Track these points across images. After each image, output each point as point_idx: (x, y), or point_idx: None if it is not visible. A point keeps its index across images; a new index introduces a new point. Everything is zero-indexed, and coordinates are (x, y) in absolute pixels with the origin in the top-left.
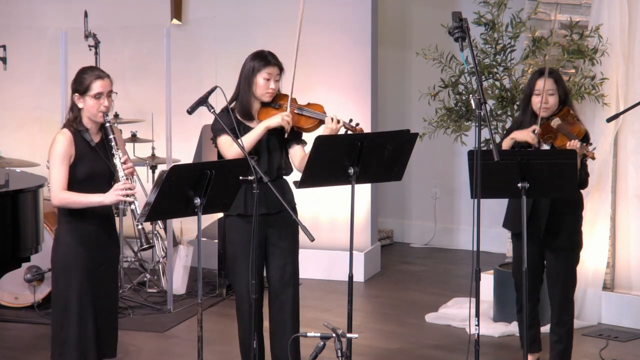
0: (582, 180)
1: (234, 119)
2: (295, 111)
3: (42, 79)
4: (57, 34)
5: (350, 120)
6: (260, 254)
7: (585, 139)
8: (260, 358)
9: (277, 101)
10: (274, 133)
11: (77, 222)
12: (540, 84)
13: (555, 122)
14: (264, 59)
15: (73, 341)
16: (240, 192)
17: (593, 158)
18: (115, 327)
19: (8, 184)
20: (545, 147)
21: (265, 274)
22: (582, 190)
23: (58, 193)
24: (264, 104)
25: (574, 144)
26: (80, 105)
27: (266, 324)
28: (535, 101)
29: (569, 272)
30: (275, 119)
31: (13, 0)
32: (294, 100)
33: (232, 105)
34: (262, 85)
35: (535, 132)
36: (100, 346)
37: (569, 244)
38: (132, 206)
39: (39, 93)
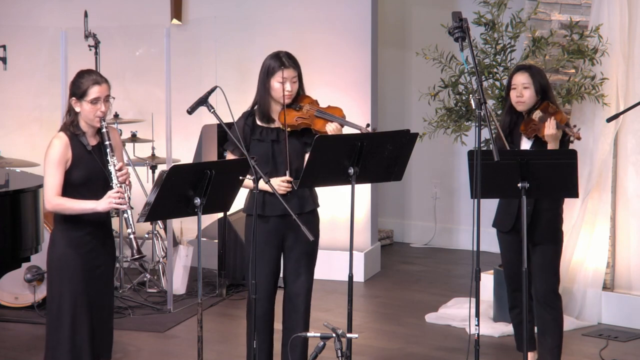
0: None
1: (249, 124)
2: (315, 114)
3: (42, 79)
4: (57, 34)
5: (368, 125)
6: (276, 256)
7: (567, 125)
8: (268, 358)
9: (298, 102)
10: (295, 137)
11: (71, 227)
12: (516, 78)
13: (537, 115)
14: (278, 61)
15: (66, 343)
16: (259, 193)
17: (579, 138)
18: (111, 328)
19: (8, 184)
20: (528, 142)
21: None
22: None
23: (52, 198)
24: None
25: (551, 123)
26: (77, 109)
27: (277, 325)
28: (512, 95)
29: (548, 266)
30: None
31: (13, 0)
32: (315, 103)
33: (255, 107)
34: (278, 88)
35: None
36: (94, 348)
37: (546, 237)
38: (125, 214)
39: (38, 93)
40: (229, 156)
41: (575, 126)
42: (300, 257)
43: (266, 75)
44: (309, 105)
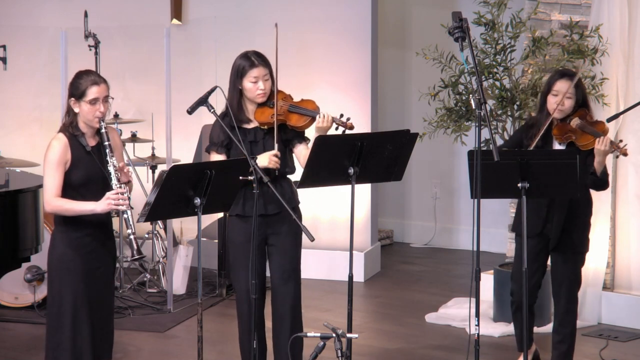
0: (604, 181)
1: (227, 125)
2: (288, 109)
3: (42, 79)
4: (57, 34)
5: (341, 116)
6: (260, 254)
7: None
8: (261, 358)
9: (272, 99)
10: (272, 135)
11: (72, 228)
12: (559, 85)
13: (575, 122)
14: (248, 60)
15: (67, 344)
16: (239, 193)
17: (625, 154)
18: (111, 329)
19: (8, 184)
20: (559, 147)
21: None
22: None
23: (51, 200)
24: (260, 104)
25: (604, 141)
26: (76, 110)
27: (269, 324)
28: (551, 101)
29: (575, 274)
30: (263, 161)
31: (13, 0)
32: (288, 97)
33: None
34: (251, 88)
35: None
36: (95, 348)
37: (578, 247)
38: (125, 215)
39: (38, 93)
40: (213, 156)
41: (621, 141)
42: (284, 255)
43: (237, 76)
44: (282, 101)
